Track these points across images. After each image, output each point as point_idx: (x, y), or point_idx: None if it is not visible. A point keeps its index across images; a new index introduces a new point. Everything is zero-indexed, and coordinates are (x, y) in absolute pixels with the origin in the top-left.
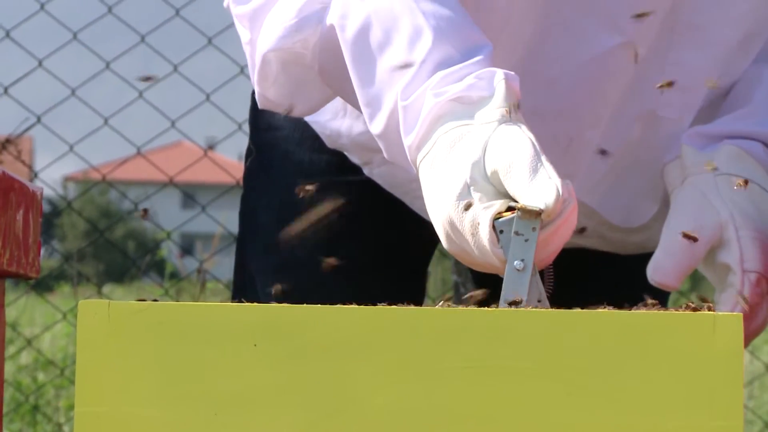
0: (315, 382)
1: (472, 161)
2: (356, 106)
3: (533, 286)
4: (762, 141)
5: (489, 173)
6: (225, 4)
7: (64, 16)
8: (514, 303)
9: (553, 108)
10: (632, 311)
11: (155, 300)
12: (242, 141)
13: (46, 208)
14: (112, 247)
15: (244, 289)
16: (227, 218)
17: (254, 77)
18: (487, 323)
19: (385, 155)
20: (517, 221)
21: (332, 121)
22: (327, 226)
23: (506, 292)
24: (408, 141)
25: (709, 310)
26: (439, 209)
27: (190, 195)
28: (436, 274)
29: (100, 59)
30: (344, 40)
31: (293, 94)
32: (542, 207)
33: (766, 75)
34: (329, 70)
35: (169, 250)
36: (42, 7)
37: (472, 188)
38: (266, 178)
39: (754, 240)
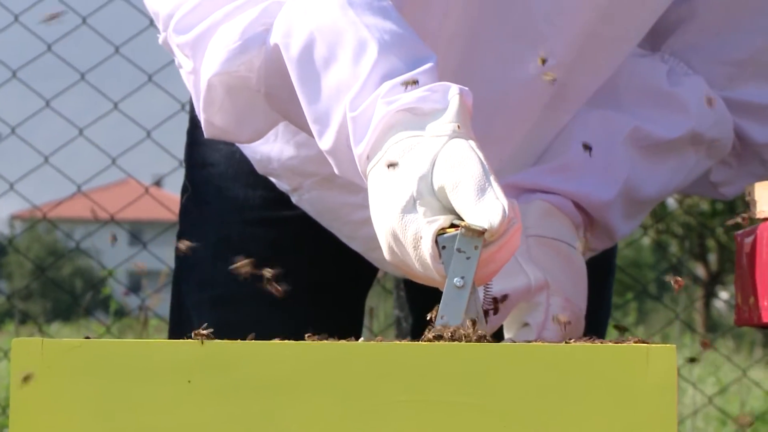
0: (249, 418)
1: (419, 175)
2: (304, 128)
3: (471, 304)
4: (571, 199)
5: (436, 188)
6: (160, 41)
7: (3, 54)
8: (450, 333)
9: (479, 133)
10: (567, 344)
11: (87, 337)
12: None
13: None
14: (59, 284)
15: (181, 325)
16: (173, 255)
17: (199, 105)
18: (425, 357)
19: (336, 171)
20: (460, 238)
21: (263, 146)
22: (261, 261)
23: (444, 309)
24: (358, 150)
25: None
26: (384, 220)
27: (135, 233)
28: (381, 309)
29: (41, 97)
30: (289, 58)
31: (239, 120)
32: (486, 227)
33: (589, 123)
34: (275, 92)
35: (113, 288)
36: None
37: (417, 202)
38: (201, 215)
39: (564, 309)
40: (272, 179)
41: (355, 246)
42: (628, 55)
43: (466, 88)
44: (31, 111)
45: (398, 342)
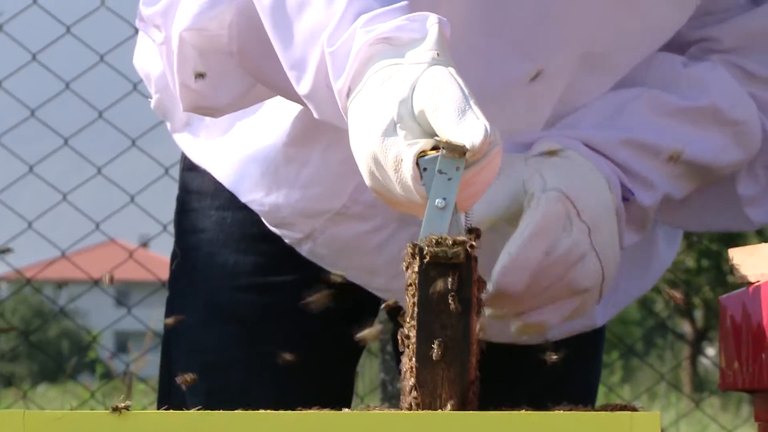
0: None
1: (399, 99)
2: (279, 86)
3: (453, 226)
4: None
5: (416, 112)
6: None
7: None
8: (434, 240)
9: None
10: (552, 411)
11: (72, 408)
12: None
13: None
14: (45, 346)
15: (170, 391)
16: (159, 316)
17: (173, 73)
18: (411, 425)
19: (315, 115)
20: (441, 159)
21: (268, 196)
22: (251, 327)
23: (425, 230)
24: (338, 86)
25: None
26: (364, 144)
27: (120, 297)
28: (367, 372)
29: (24, 162)
30: (262, 7)
31: (214, 84)
32: (468, 145)
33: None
34: (248, 48)
35: (99, 351)
36: None
37: (398, 125)
38: (190, 281)
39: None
40: (283, 231)
41: (376, 283)
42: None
43: (445, 18)
44: (15, 176)
45: (387, 411)
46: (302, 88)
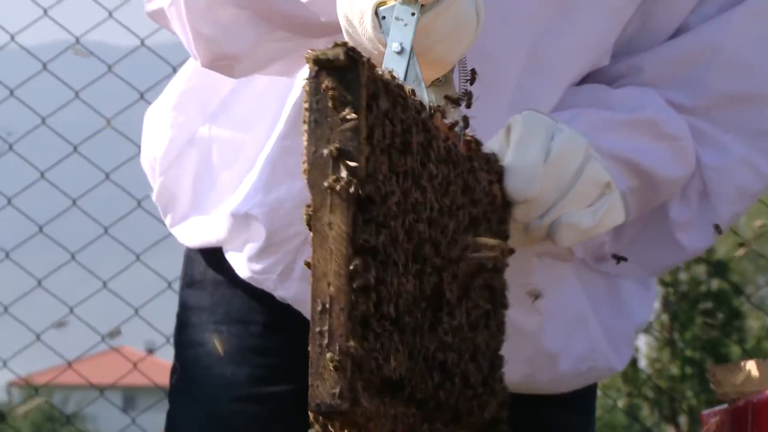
0: None
1: None
2: (287, 20)
3: (411, 70)
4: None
5: None
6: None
7: None
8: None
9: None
10: None
11: None
12: None
13: None
14: None
15: None
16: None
17: (185, 24)
18: None
19: (322, 18)
20: (398, 7)
21: (268, 195)
22: None
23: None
24: None
25: None
26: (338, 6)
27: (129, 399)
28: None
29: (32, 276)
30: None
31: (226, 31)
32: None
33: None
34: None
35: None
36: None
37: None
38: (189, 394)
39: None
40: (273, 259)
41: None
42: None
43: None
44: (24, 289)
45: None
46: None
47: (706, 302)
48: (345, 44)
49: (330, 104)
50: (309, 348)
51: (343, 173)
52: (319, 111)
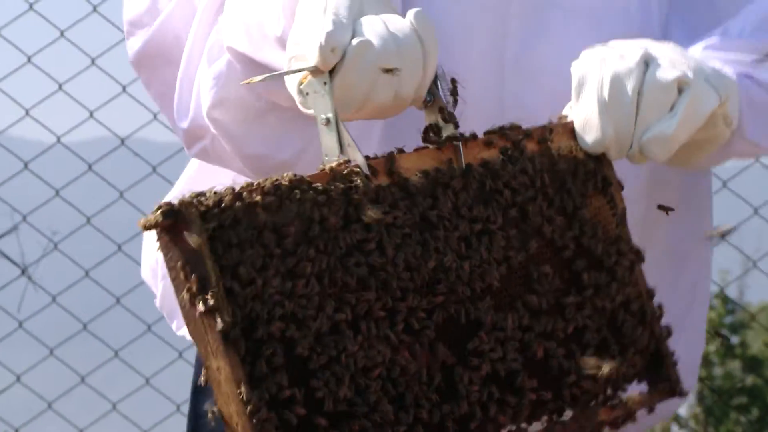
0: None
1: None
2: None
3: (342, 134)
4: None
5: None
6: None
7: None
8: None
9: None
10: None
11: None
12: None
13: None
14: None
15: None
16: None
17: (227, 149)
18: None
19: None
20: (308, 82)
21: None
22: None
23: (323, 150)
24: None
25: None
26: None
27: None
28: None
29: (45, 346)
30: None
31: (274, 144)
32: (313, 62)
33: None
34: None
35: None
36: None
37: (291, 59)
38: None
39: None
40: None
41: None
42: None
43: None
44: (35, 360)
45: None
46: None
47: (741, 397)
48: (167, 203)
49: (173, 272)
50: None
51: (219, 324)
52: (172, 270)
